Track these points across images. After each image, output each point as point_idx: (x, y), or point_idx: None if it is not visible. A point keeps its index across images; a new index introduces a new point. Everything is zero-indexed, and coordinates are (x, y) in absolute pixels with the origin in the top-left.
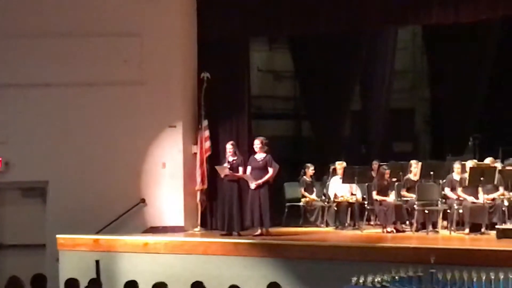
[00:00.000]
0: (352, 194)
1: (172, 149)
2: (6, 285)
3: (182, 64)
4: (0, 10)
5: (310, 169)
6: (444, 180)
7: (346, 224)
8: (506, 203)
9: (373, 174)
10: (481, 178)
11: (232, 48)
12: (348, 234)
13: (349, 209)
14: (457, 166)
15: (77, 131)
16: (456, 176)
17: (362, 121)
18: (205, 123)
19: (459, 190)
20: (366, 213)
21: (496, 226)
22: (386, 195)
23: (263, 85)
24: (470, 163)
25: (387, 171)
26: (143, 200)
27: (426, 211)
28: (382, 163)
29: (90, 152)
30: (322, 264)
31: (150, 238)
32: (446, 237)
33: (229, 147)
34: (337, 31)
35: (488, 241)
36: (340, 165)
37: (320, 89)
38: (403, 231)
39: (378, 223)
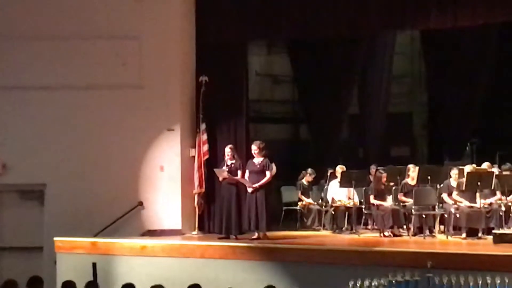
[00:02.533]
0: (349, 198)
1: (170, 152)
2: None
3: (180, 68)
4: None
5: (311, 176)
6: (441, 185)
7: (343, 228)
8: (503, 208)
9: (371, 178)
10: (478, 183)
11: (231, 52)
12: (345, 238)
13: (347, 213)
14: (454, 172)
15: (75, 134)
16: (453, 182)
17: (360, 125)
18: (203, 126)
19: (455, 195)
20: (364, 217)
21: (493, 231)
22: (383, 199)
23: (261, 89)
24: (468, 168)
25: (384, 175)
26: (140, 203)
27: (423, 216)
28: (379, 167)
29: (88, 155)
30: (319, 268)
31: (148, 241)
32: (443, 241)
33: (227, 150)
34: (335, 36)
35: (485, 245)
36: (341, 169)
37: (318, 93)
38: (400, 236)
39: (375, 227)
